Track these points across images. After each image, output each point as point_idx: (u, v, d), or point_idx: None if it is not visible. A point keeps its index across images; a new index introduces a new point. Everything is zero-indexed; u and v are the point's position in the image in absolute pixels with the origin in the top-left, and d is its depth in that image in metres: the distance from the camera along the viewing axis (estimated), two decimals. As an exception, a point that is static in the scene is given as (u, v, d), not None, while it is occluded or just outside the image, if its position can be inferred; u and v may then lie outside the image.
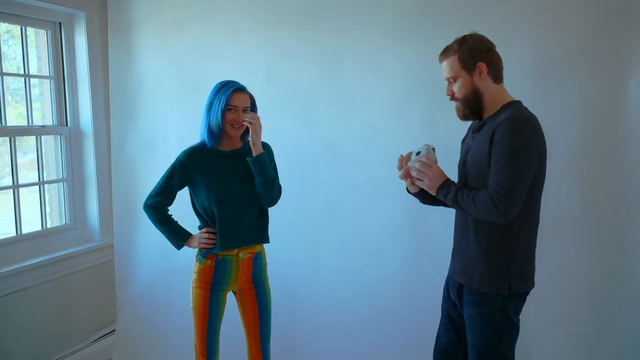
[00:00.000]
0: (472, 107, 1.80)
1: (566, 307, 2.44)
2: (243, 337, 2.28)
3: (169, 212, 2.22)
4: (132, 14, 3.08)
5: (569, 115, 2.34)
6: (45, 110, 3.14)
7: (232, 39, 2.88)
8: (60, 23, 3.06)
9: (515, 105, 1.77)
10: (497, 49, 1.82)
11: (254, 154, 2.06)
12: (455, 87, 1.79)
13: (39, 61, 3.12)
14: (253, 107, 2.14)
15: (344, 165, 2.72)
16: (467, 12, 2.43)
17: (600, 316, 2.40)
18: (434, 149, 1.85)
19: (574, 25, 2.30)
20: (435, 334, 2.05)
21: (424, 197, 1.95)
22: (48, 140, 3.13)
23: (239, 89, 2.08)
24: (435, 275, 2.26)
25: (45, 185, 3.11)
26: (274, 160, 2.23)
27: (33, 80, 3.05)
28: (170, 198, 2.18)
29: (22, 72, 2.96)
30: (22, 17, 2.89)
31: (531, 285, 1.83)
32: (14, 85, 3.02)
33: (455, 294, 1.89)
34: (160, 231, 2.19)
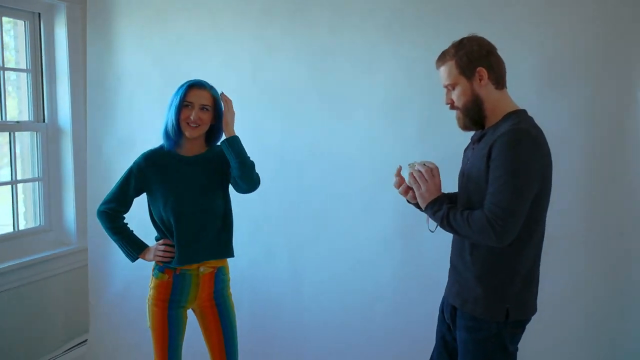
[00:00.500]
0: (472, 116, 1.71)
1: (567, 334, 2.34)
2: (207, 355, 2.19)
3: (125, 220, 2.11)
4: (112, 5, 3.01)
5: (575, 124, 2.26)
6: (21, 106, 3.04)
7: (216, 34, 2.81)
8: (39, 14, 2.97)
9: (518, 115, 1.68)
10: (500, 52, 1.72)
11: (227, 136, 1.97)
12: (455, 95, 1.72)
13: (17, 53, 3.03)
14: (217, 107, 2.02)
15: (333, 171, 2.65)
16: (470, 6, 2.35)
17: (605, 347, 2.29)
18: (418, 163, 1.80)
19: (583, 28, 2.22)
20: (428, 353, 1.98)
21: None
22: (24, 137, 3.04)
23: (196, 84, 1.97)
24: (428, 289, 2.22)
25: (20, 185, 3.02)
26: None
27: (9, 74, 2.98)
28: (125, 205, 2.07)
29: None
30: (-1, 7, 2.82)
31: (531, 311, 1.73)
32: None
33: (449, 316, 1.82)
34: (114, 240, 2.09)
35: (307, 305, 2.75)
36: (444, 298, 1.89)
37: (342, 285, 2.68)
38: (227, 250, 2.10)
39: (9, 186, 2.97)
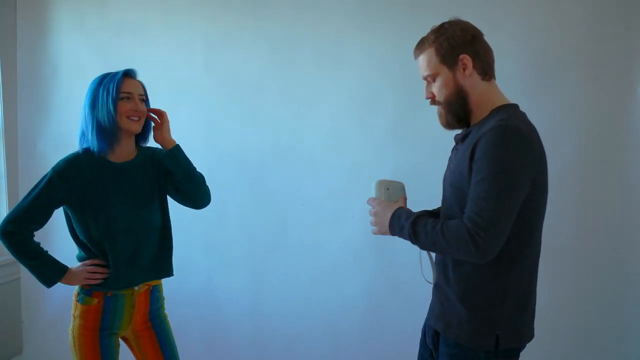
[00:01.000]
0: (456, 111, 1.57)
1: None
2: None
3: (34, 238, 1.87)
4: (46, -15, 2.90)
5: (565, 123, 2.18)
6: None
7: (165, 18, 2.69)
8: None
9: (507, 110, 1.53)
10: (486, 39, 1.59)
11: (166, 148, 1.86)
12: (435, 88, 1.58)
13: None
14: (146, 98, 1.91)
15: (298, 174, 2.57)
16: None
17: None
18: (387, 189, 1.66)
19: (576, 19, 2.14)
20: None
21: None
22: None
23: (128, 73, 1.84)
24: (403, 306, 2.19)
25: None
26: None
27: None
28: (40, 222, 1.81)
29: None
30: None
31: (527, 338, 1.59)
32: None
33: (431, 341, 1.67)
34: (27, 266, 1.83)
35: (267, 323, 2.66)
36: (426, 320, 1.75)
37: (306, 300, 2.59)
38: (167, 269, 1.97)
39: None
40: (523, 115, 1.54)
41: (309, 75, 2.51)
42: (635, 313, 2.14)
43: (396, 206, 1.57)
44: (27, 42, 2.93)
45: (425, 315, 1.75)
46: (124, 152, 1.85)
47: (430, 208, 1.70)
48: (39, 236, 1.85)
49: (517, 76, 2.17)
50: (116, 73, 1.81)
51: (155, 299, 1.95)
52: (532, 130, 1.48)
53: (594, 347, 2.19)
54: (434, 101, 1.60)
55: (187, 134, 2.64)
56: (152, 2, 2.69)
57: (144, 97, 1.85)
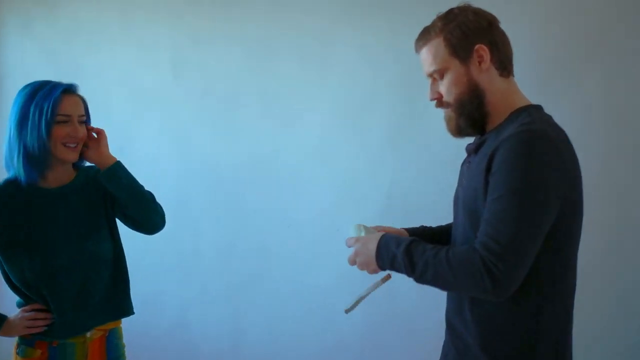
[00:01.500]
0: (470, 113, 1.40)
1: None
2: None
3: None
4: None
5: (583, 124, 2.04)
6: None
7: (125, 20, 2.64)
8: None
9: (530, 112, 1.37)
10: None
11: (104, 167, 1.74)
12: (444, 86, 1.41)
13: None
14: (87, 116, 1.77)
15: (281, 192, 2.50)
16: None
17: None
18: (366, 228, 1.55)
19: (596, 9, 2.03)
20: None
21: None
22: None
23: (69, 89, 1.67)
24: (403, 343, 2.19)
25: None
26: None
27: None
28: None
29: None
30: None
31: None
32: None
33: None
34: None
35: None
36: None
37: (293, 336, 2.51)
38: (125, 307, 1.84)
39: None
40: (549, 118, 1.36)
41: (291, 80, 2.44)
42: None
43: (379, 234, 1.41)
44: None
45: (433, 353, 1.58)
46: (59, 176, 1.70)
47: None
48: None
49: (529, 72, 1.97)
50: (53, 87, 1.65)
51: (113, 347, 1.80)
52: (561, 135, 1.31)
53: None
54: (440, 103, 1.43)
55: (152, 149, 2.55)
56: (109, 1, 2.63)
57: (85, 118, 1.69)
